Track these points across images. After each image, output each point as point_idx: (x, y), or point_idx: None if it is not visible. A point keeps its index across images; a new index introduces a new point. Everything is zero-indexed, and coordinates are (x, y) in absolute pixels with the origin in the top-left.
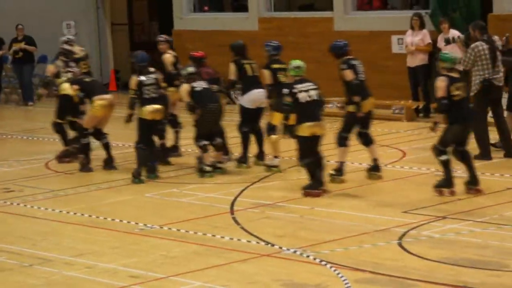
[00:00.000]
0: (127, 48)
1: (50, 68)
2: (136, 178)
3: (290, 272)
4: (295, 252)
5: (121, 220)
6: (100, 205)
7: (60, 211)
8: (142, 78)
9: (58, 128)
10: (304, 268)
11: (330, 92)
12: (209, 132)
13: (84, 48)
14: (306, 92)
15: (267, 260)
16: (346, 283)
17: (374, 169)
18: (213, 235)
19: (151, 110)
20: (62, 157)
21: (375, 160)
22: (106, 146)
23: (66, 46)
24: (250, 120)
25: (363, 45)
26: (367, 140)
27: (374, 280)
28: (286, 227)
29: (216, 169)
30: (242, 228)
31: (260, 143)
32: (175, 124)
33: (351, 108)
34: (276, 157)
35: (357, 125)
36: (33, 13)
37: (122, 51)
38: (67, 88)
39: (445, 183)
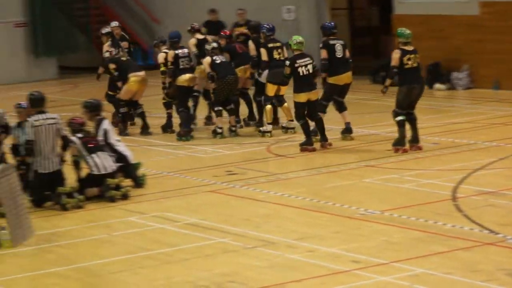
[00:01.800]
0: (347, 33)
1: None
2: (183, 137)
3: None
4: None
5: (342, 205)
6: (321, 189)
7: (282, 194)
8: (178, 51)
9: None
10: None
11: None
12: (225, 99)
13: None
14: (305, 67)
15: (491, 248)
16: None
17: (346, 131)
18: (435, 222)
19: (186, 78)
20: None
21: (347, 123)
22: (142, 115)
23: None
24: (262, 92)
25: None
26: (341, 107)
27: None
28: (510, 216)
29: (231, 132)
30: (465, 215)
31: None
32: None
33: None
34: (269, 123)
35: (335, 95)
36: None
37: (341, 36)
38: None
39: (399, 142)
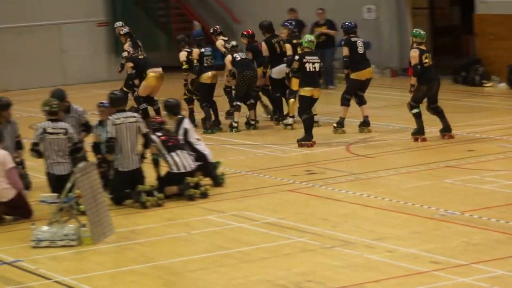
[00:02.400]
0: (427, 32)
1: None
2: (209, 130)
3: None
4: None
5: (421, 205)
6: (400, 190)
7: (361, 194)
8: (202, 50)
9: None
10: None
11: None
12: (244, 94)
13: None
14: (312, 64)
15: None
16: None
17: (364, 124)
18: None
19: (209, 75)
20: None
21: (365, 117)
22: (158, 112)
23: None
24: (279, 87)
25: None
26: (361, 101)
27: None
28: None
29: (250, 125)
30: None
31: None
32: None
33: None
34: (291, 117)
35: (357, 89)
36: None
37: None
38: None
39: (418, 132)
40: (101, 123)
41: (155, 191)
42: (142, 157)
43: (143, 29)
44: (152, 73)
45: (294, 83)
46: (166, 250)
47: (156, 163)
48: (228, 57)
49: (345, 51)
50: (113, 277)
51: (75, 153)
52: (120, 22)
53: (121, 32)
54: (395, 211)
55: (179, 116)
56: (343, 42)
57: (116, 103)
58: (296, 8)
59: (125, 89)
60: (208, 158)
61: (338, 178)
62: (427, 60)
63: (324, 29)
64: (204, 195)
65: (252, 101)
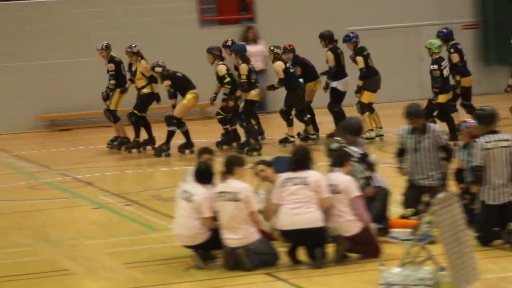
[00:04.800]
0: None
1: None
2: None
3: None
4: None
5: None
6: None
7: None
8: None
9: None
10: None
11: None
12: (299, 108)
13: None
14: (445, 69)
15: None
16: None
17: None
18: None
19: (257, 92)
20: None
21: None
22: (187, 133)
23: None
24: (340, 101)
25: None
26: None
27: None
28: None
29: (308, 139)
30: None
31: None
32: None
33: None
34: (371, 130)
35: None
36: None
37: None
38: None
39: None
40: (466, 146)
41: None
42: None
43: None
44: (193, 93)
45: (367, 97)
46: None
47: None
48: (281, 64)
49: (455, 57)
50: None
51: None
52: (104, 44)
53: (134, 50)
54: None
55: None
56: (452, 50)
57: (487, 121)
58: None
59: (137, 112)
60: None
61: None
62: None
63: None
64: None
65: (309, 115)
